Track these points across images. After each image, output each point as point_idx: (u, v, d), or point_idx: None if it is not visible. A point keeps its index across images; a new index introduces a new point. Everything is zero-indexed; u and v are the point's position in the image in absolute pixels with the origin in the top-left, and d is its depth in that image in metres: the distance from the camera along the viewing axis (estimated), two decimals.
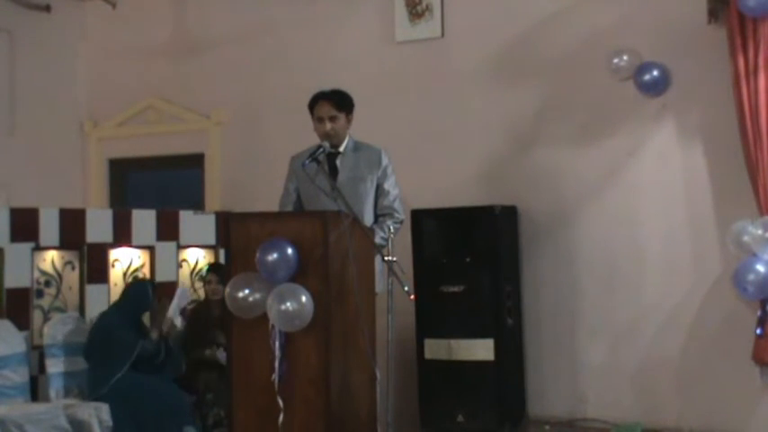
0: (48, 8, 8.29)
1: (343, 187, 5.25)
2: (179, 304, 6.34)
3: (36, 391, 6.15)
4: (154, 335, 6.13)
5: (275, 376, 4.71)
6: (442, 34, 7.12)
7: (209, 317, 6.53)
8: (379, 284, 5.18)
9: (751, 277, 5.73)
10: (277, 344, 4.70)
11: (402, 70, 7.24)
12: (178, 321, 6.30)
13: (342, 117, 5.51)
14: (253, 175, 7.70)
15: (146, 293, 6.24)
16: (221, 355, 6.13)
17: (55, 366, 6.11)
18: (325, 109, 5.48)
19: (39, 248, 6.31)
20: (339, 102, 5.51)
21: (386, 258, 4.81)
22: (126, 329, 6.07)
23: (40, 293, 6.33)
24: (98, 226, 6.63)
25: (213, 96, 8.06)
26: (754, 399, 6.03)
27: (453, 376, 6.37)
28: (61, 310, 6.39)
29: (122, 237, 6.77)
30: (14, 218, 6.20)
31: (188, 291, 6.64)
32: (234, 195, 7.78)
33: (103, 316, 6.22)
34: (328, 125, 5.47)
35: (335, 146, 5.50)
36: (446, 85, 7.08)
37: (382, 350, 4.89)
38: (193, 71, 8.14)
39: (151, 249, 6.93)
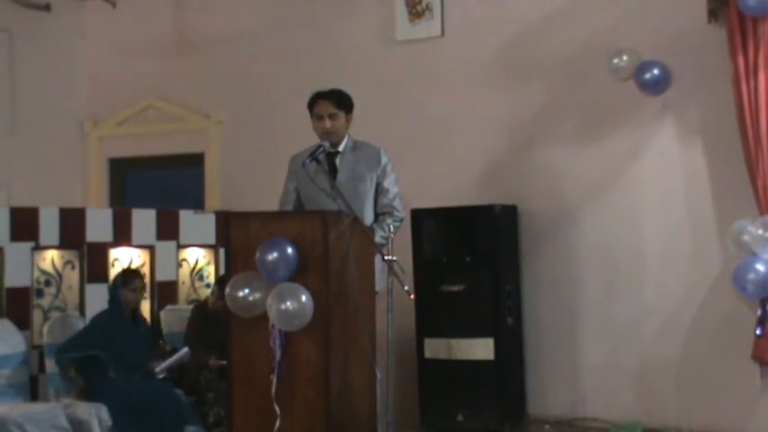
0: (48, 8, 8.30)
1: (342, 186, 5.23)
2: (175, 361, 6.24)
3: (36, 390, 6.15)
4: (157, 369, 6.13)
5: (273, 377, 4.70)
6: (442, 33, 7.12)
7: (211, 317, 6.52)
8: (379, 284, 5.17)
9: (751, 276, 5.73)
10: (277, 343, 4.71)
11: (402, 70, 7.25)
12: (160, 374, 6.17)
13: (341, 115, 5.49)
14: (253, 174, 7.70)
15: (112, 292, 6.23)
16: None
17: (55, 366, 6.11)
18: (325, 107, 5.46)
19: (39, 248, 6.31)
20: (338, 100, 5.49)
21: (386, 257, 4.79)
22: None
23: (40, 293, 6.33)
24: (98, 225, 6.63)
25: (213, 96, 8.07)
26: (754, 399, 6.03)
27: (453, 376, 6.37)
28: (61, 309, 6.40)
29: (122, 236, 6.77)
30: (14, 217, 6.21)
31: (188, 354, 6.38)
32: (234, 195, 7.78)
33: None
34: (328, 123, 5.45)
35: (335, 145, 5.48)
36: (446, 85, 7.08)
37: (382, 349, 4.87)
38: (193, 71, 8.14)
39: (151, 249, 6.94)
